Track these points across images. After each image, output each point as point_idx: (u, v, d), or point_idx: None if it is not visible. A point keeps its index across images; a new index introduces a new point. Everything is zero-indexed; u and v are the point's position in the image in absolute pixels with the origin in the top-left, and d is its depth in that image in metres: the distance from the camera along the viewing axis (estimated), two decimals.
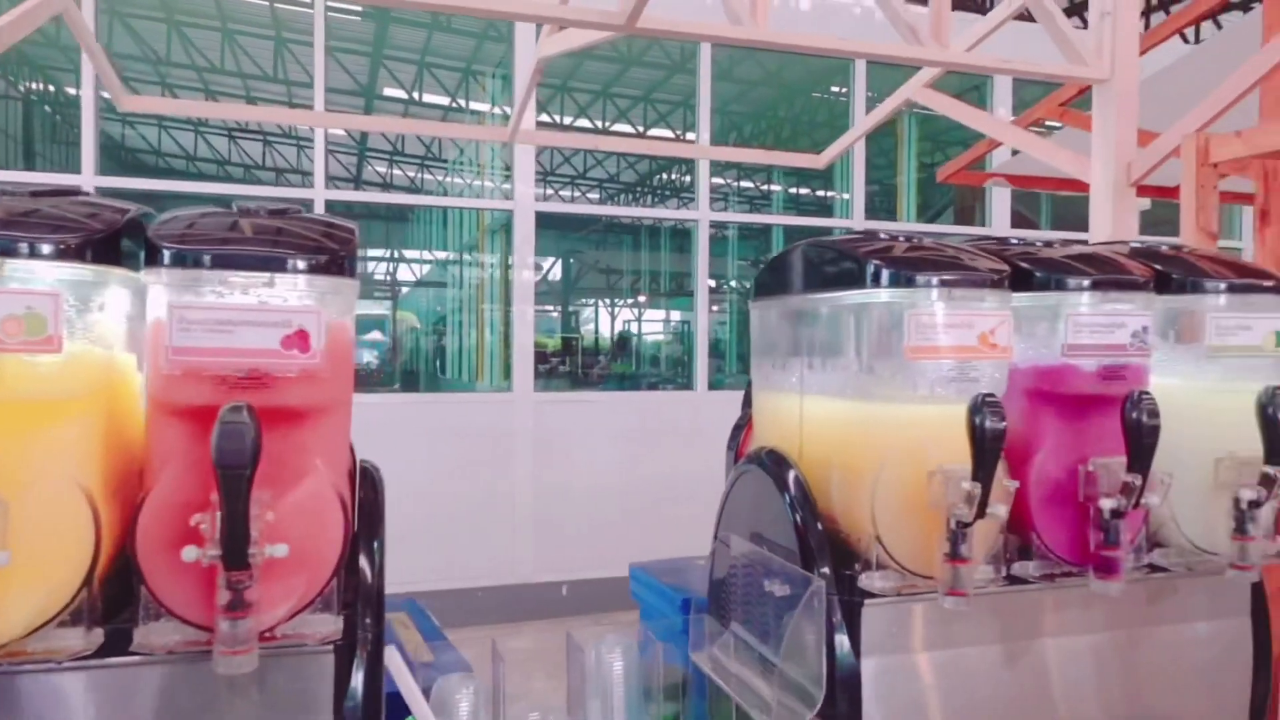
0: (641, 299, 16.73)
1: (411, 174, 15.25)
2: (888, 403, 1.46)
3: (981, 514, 1.36)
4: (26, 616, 1.13)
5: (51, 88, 11.24)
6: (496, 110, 8.92)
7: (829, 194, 12.07)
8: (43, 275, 1.13)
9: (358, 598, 1.31)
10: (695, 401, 6.41)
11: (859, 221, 6.96)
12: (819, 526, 1.55)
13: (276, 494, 1.18)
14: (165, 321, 1.17)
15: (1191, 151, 2.06)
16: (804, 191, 13.92)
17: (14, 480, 1.10)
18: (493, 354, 7.32)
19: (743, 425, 2.17)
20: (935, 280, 1.42)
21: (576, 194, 16.94)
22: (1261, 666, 1.76)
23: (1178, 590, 1.70)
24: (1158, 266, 1.65)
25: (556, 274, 16.51)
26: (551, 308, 16.38)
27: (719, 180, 14.07)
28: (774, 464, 1.66)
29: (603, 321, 17.72)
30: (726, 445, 2.21)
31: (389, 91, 11.83)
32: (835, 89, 10.28)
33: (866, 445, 1.49)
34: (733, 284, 12.58)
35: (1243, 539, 1.59)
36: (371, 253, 17.06)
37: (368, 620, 1.31)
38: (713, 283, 12.58)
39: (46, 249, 1.13)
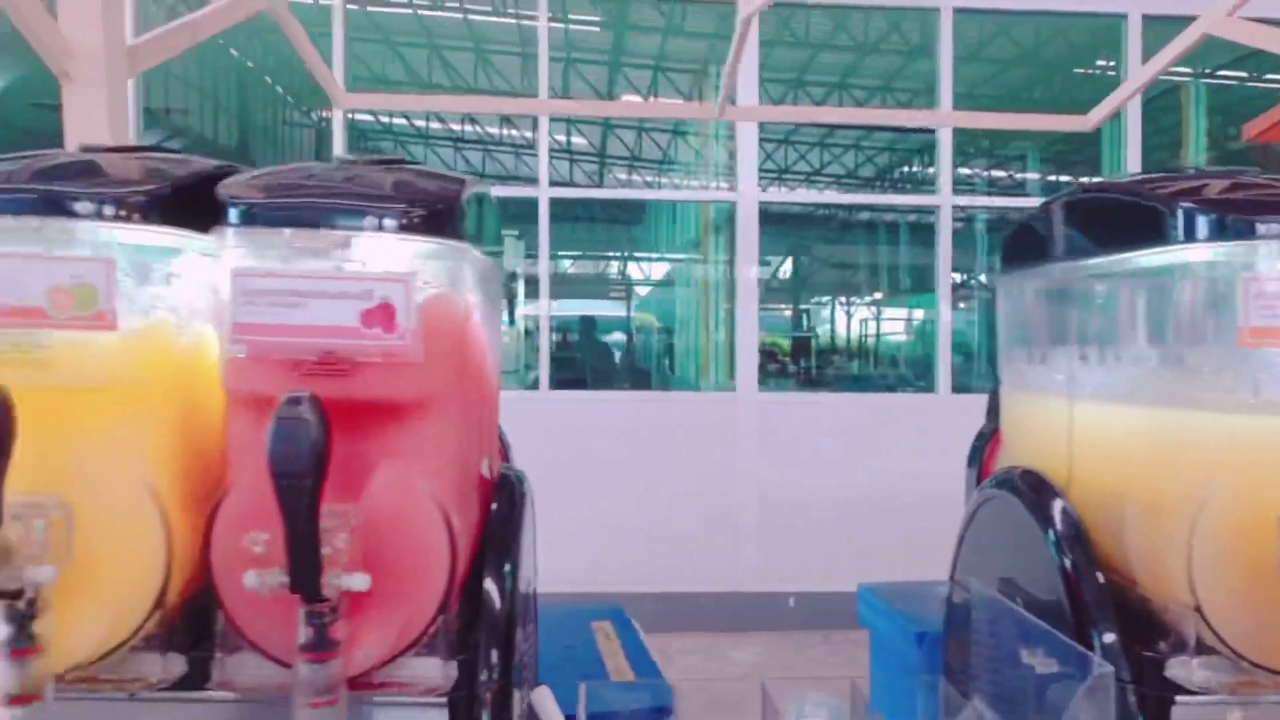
0: (878, 295, 15.79)
1: (649, 178, 15.43)
2: (1213, 411, 1.03)
3: None
4: (93, 639, 0.99)
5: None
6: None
7: (1095, 179, 10.49)
8: (92, 239, 0.97)
9: (480, 635, 1.09)
10: (936, 406, 5.79)
11: None
12: (1098, 579, 1.13)
13: (357, 509, 0.98)
14: (228, 293, 0.99)
15: None
16: (1065, 179, 12.18)
17: (75, 482, 0.96)
18: (718, 353, 7.27)
19: (986, 438, 1.77)
20: None
21: (814, 191, 16.32)
22: None
23: None
24: None
25: (787, 272, 16.01)
26: (784, 307, 15.91)
27: (966, 171, 12.87)
28: (1031, 489, 1.25)
29: (838, 320, 16.97)
30: (967, 461, 1.82)
31: (626, 98, 12.10)
32: (1103, 63, 8.92)
33: (1178, 472, 1.05)
34: (981, 279, 11.39)
35: None
36: (609, 253, 17.51)
37: (493, 663, 1.08)
38: (958, 277, 11.48)
39: (101, 208, 0.97)
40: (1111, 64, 8.44)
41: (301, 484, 0.90)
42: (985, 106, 10.91)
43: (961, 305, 11.59)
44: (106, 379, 0.99)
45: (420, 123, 14.49)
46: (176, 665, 1.05)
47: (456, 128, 14.79)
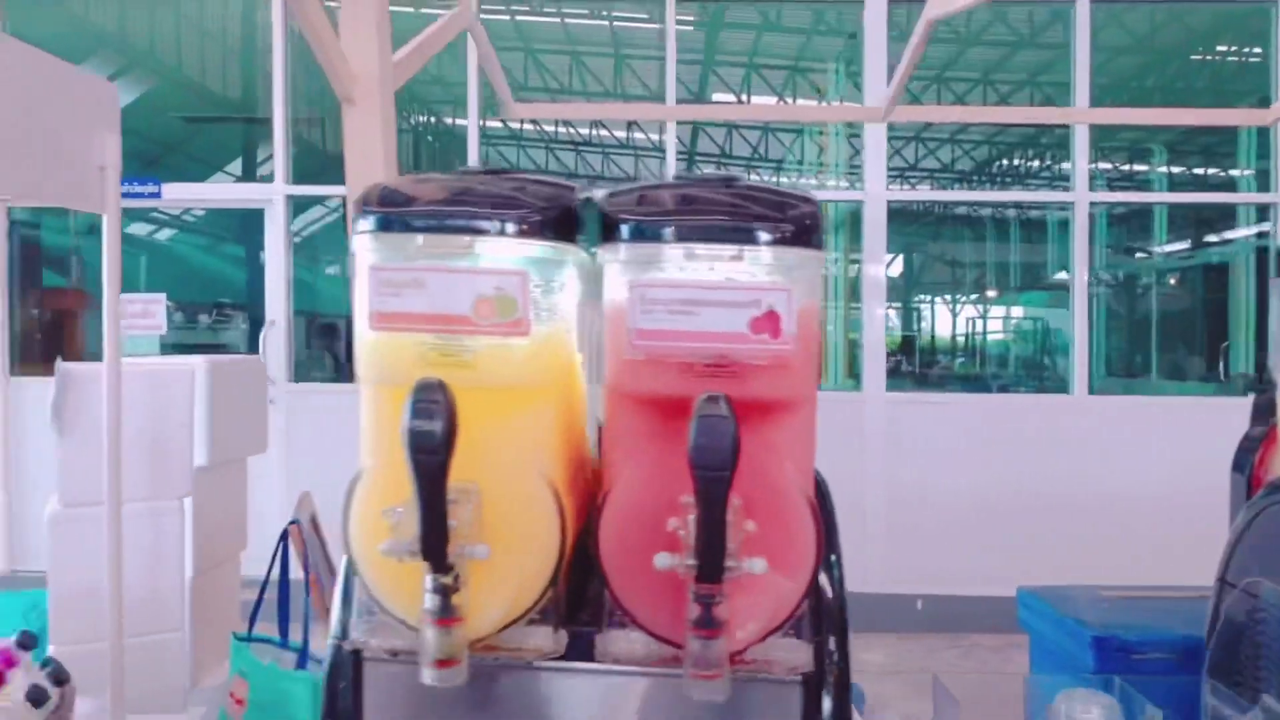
0: (991, 294, 15.42)
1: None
2: None
3: None
4: (500, 611, 1.11)
5: (433, 119, 12.96)
6: (835, 103, 8.79)
7: (1211, 170, 10.15)
8: (511, 254, 1.10)
9: (821, 621, 1.21)
10: (1071, 407, 5.76)
11: None
12: None
13: (746, 500, 1.06)
14: (625, 302, 1.09)
15: None
16: (1176, 170, 11.76)
17: (490, 471, 1.09)
18: (836, 353, 7.29)
19: (1255, 443, 1.84)
20: None
21: (905, 187, 16.03)
22: None
23: None
24: None
25: (893, 270, 15.79)
26: (889, 306, 15.63)
27: (1066, 165, 12.54)
28: None
29: (941, 318, 16.62)
30: (1232, 467, 1.89)
31: (718, 96, 12.08)
32: (1223, 48, 8.67)
33: None
34: (1102, 276, 11.05)
35: None
36: None
37: (831, 649, 1.20)
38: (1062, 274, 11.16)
39: (512, 227, 1.09)
40: (1234, 49, 8.18)
41: (722, 476, 0.98)
42: (1093, 95, 10.67)
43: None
44: (517, 379, 1.10)
45: (514, 124, 14.71)
46: (563, 638, 1.15)
47: (549, 129, 15.00)
